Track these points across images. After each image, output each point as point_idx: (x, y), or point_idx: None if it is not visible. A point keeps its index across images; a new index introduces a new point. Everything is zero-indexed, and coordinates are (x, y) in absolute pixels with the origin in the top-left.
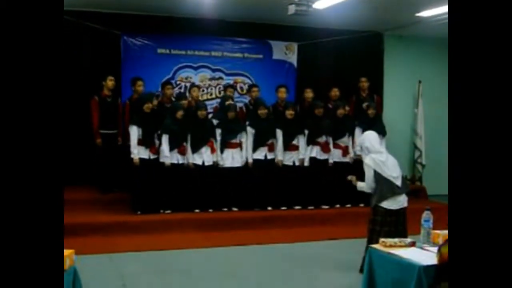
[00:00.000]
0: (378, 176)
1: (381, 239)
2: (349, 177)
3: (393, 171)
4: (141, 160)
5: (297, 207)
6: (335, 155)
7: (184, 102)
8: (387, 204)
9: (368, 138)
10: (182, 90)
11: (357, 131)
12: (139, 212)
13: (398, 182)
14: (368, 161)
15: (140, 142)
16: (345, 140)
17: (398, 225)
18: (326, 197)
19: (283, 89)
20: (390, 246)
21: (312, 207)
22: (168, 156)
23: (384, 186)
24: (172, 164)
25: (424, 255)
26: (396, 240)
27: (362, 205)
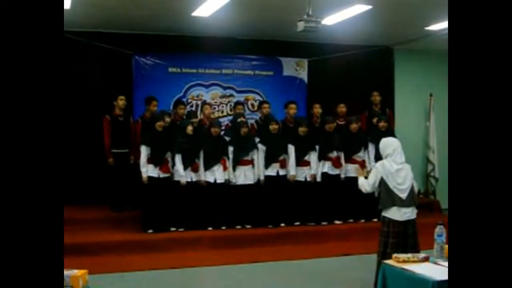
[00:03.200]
0: (383, 184)
1: (394, 255)
2: (357, 169)
3: (401, 184)
4: (151, 178)
5: (310, 223)
6: (351, 170)
7: (195, 120)
8: (391, 214)
9: (392, 145)
10: (193, 108)
11: (370, 146)
12: (150, 231)
13: (403, 195)
14: (378, 166)
15: (150, 161)
16: (360, 155)
17: (408, 238)
18: (339, 212)
19: (293, 106)
20: (404, 261)
21: (325, 223)
22: (183, 175)
23: (385, 195)
24: (186, 182)
25: (437, 270)
26: (409, 255)
27: (375, 220)
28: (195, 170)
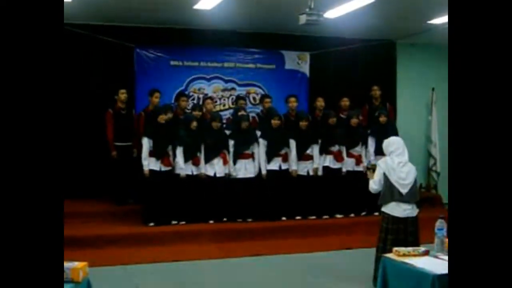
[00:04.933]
0: (385, 179)
1: (394, 249)
2: (369, 166)
3: (403, 178)
4: (152, 171)
5: (312, 217)
6: (349, 164)
7: (198, 113)
8: (390, 210)
9: (395, 144)
10: (195, 102)
11: (370, 140)
12: (151, 224)
13: (404, 190)
14: (381, 162)
15: (151, 154)
16: (358, 149)
17: (408, 235)
18: (340, 206)
19: (293, 99)
20: (404, 255)
21: (327, 217)
22: (184, 168)
23: (386, 189)
24: (186, 175)
25: (438, 264)
26: (409, 249)
27: (376, 213)
28: (196, 163)
